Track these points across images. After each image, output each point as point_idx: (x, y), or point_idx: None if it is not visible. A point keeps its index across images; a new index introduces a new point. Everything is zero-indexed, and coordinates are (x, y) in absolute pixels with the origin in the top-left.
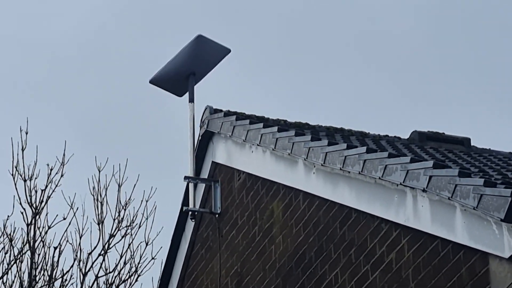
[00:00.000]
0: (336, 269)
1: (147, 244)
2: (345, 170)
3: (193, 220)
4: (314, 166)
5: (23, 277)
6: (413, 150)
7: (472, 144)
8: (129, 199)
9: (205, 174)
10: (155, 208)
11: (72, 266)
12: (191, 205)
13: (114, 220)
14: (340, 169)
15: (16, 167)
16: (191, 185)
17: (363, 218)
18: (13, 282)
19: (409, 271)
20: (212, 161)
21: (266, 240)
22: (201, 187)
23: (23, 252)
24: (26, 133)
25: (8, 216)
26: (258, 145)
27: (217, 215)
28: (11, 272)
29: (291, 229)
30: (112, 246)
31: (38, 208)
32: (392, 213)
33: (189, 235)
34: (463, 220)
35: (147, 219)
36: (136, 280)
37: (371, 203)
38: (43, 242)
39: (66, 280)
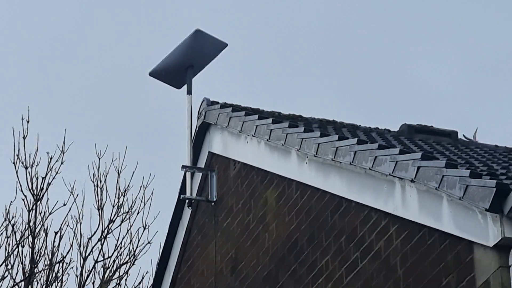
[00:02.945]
0: (326, 256)
1: (144, 228)
2: (337, 160)
3: (190, 207)
4: (307, 157)
5: (24, 261)
6: (402, 142)
7: (459, 136)
8: (128, 185)
9: (202, 163)
10: (153, 194)
11: (69, 250)
12: (188, 193)
13: (113, 206)
14: (332, 159)
15: (17, 155)
16: (188, 174)
17: (353, 207)
18: (18, 265)
19: (397, 258)
20: (209, 151)
21: (260, 228)
22: (198, 176)
23: (25, 237)
24: (28, 122)
25: (11, 202)
26: (253, 136)
27: (213, 203)
28: (13, 256)
29: (284, 217)
30: (111, 231)
31: (39, 194)
32: (381, 202)
33: (186, 222)
34: (449, 210)
35: (144, 204)
36: (133, 264)
37: (361, 193)
38: (44, 227)
39: (66, 264)
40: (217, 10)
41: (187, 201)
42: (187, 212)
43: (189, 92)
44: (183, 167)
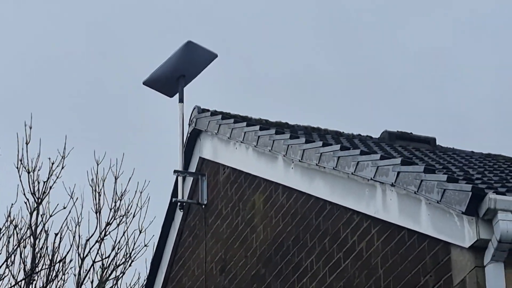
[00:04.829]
0: (311, 256)
1: (140, 232)
2: (321, 165)
3: (181, 210)
4: (293, 162)
5: (26, 261)
6: (383, 148)
7: (437, 143)
8: (124, 190)
9: (193, 168)
10: (149, 199)
11: (69, 251)
12: (180, 197)
13: (110, 209)
14: (316, 164)
15: (20, 160)
16: (180, 178)
17: (337, 210)
18: (19, 265)
19: (378, 259)
20: (200, 157)
21: (248, 229)
22: (189, 180)
23: (26, 238)
24: (30, 128)
25: (12, 204)
26: (241, 142)
27: (203, 206)
28: (15, 256)
29: (271, 220)
30: (108, 234)
31: (40, 197)
32: (363, 205)
33: (178, 224)
34: (427, 213)
35: (140, 208)
36: (130, 265)
37: (344, 196)
38: (44, 229)
39: (65, 264)
40: (208, 22)
41: (178, 204)
42: (178, 215)
43: (181, 100)
44: (175, 171)
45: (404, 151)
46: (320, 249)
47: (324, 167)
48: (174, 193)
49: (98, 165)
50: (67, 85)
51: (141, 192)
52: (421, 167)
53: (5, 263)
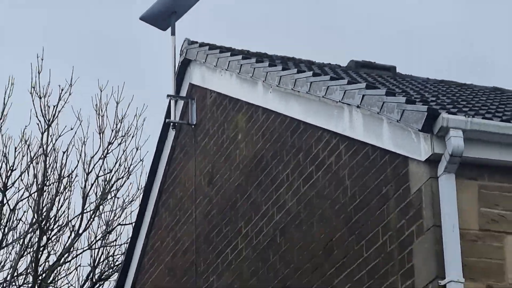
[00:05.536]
0: (287, 169)
1: (137, 149)
2: (296, 90)
3: (174, 129)
4: (271, 87)
5: (38, 176)
6: (350, 75)
7: (397, 71)
8: (124, 114)
9: (184, 93)
10: (144, 120)
11: (76, 167)
12: (172, 118)
13: (112, 131)
14: (292, 89)
15: (33, 87)
16: (172, 102)
17: (310, 128)
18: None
19: (345, 171)
20: (189, 83)
21: (232, 146)
22: (181, 103)
23: (38, 156)
24: (42, 59)
25: (26, 126)
26: (226, 70)
27: (193, 126)
28: (28, 171)
29: (252, 137)
30: (110, 151)
31: (50, 120)
32: (333, 125)
33: (170, 142)
34: (389, 131)
35: (137, 129)
36: (128, 178)
37: (316, 117)
38: (54, 148)
39: (72, 178)
40: None
41: (171, 124)
42: (171, 134)
43: (173, 33)
44: (168, 95)
45: (368, 77)
46: (295, 163)
47: (299, 91)
48: (167, 114)
49: (101, 91)
50: (74, 21)
51: (139, 115)
52: (383, 91)
53: (20, 177)
